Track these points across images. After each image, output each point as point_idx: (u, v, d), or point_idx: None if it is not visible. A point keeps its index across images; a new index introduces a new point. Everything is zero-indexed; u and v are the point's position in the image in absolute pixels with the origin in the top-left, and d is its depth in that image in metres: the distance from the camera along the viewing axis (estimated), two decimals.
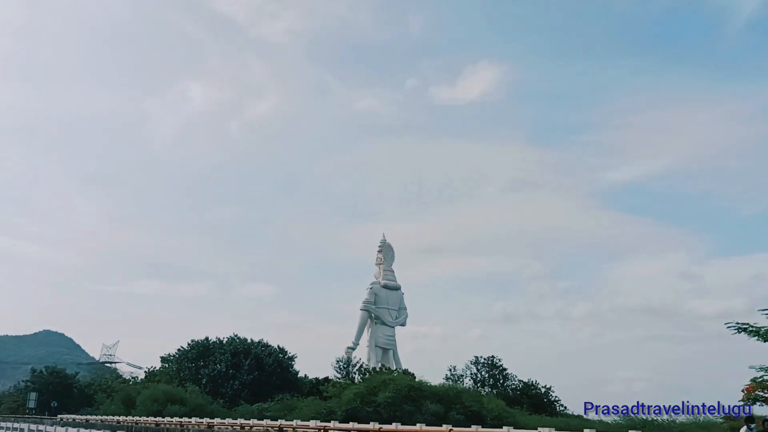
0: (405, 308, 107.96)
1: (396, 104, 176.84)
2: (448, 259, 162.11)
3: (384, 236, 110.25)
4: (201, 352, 73.88)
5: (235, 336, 75.78)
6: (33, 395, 74.96)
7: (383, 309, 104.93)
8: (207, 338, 75.57)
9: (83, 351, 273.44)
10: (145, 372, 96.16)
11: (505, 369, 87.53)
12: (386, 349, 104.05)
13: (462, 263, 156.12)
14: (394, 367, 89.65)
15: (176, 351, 78.84)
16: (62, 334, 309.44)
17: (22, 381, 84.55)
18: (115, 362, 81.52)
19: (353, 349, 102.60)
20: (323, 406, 53.31)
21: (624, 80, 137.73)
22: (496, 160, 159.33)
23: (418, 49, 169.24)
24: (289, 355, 73.79)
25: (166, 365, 79.04)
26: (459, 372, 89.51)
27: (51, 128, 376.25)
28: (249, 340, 73.61)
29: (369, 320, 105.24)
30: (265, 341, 73.98)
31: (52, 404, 74.20)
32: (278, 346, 74.14)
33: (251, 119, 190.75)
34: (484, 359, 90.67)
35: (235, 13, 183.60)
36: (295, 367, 75.26)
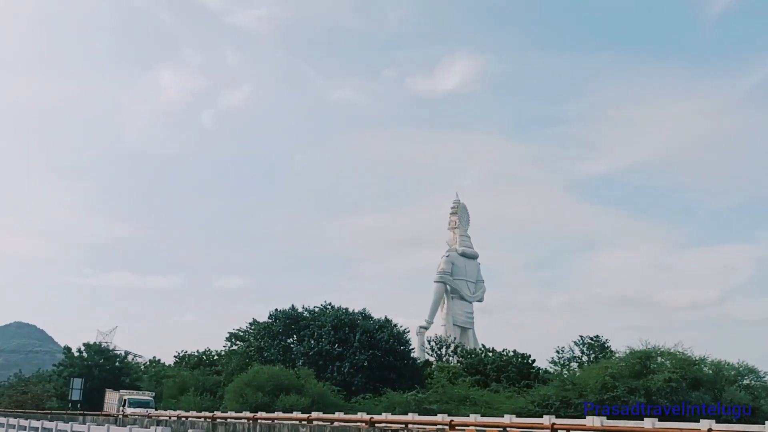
0: (483, 281, 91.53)
1: (373, 95, 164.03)
2: (426, 250, 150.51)
3: (458, 196, 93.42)
4: (288, 325, 56.28)
5: (328, 305, 58.36)
6: (77, 382, 54.85)
7: (461, 281, 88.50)
8: (293, 307, 57.90)
9: (55, 343, 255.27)
10: (152, 360, 77.80)
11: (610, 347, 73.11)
12: (465, 328, 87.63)
13: (440, 255, 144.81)
14: None
15: (248, 325, 61.12)
16: (34, 326, 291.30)
17: (54, 365, 64.89)
18: (113, 350, 64.47)
19: (426, 328, 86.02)
20: (538, 395, 36.61)
21: (601, 73, 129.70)
22: (474, 152, 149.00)
23: (396, 39, 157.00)
24: (402, 328, 56.77)
25: (238, 343, 61.23)
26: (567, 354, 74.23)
27: (19, 118, 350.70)
28: (350, 310, 56.32)
29: (444, 294, 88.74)
30: (368, 311, 56.80)
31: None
32: (385, 317, 57.04)
33: (225, 109, 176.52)
34: (590, 339, 76.01)
35: (209, 0, 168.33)
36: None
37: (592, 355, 73.27)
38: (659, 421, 24.30)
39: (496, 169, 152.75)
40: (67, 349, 61.38)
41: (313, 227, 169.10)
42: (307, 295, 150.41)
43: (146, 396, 53.48)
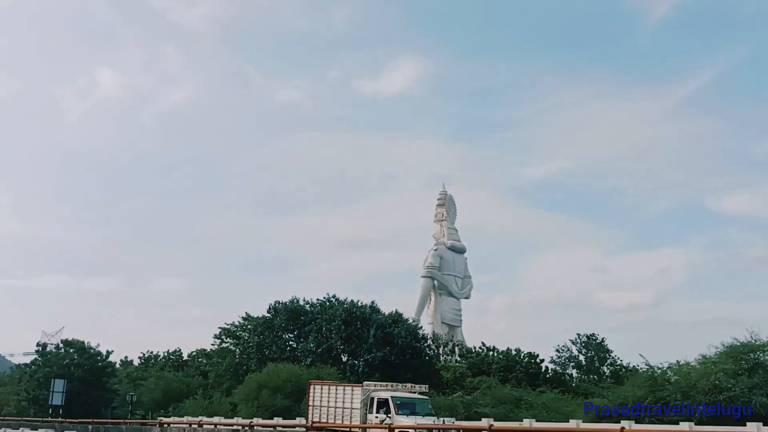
0: (470, 276, 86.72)
1: (318, 96, 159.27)
2: (369, 253, 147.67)
3: (444, 187, 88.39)
4: (289, 319, 49.78)
5: (332, 297, 52.11)
6: (59, 383, 44.76)
7: (449, 276, 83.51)
8: (295, 299, 51.33)
9: None
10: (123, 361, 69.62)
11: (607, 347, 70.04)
12: (453, 326, 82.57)
13: (382, 257, 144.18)
14: None
15: (242, 319, 54.13)
16: None
17: (25, 365, 54.35)
18: (95, 347, 55.99)
19: None
20: (624, 396, 31.61)
21: (543, 79, 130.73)
22: (418, 155, 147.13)
23: (341, 41, 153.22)
24: (415, 322, 51.06)
25: (229, 340, 54.15)
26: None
27: None
28: (359, 303, 50.24)
29: (432, 291, 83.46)
30: (376, 305, 50.85)
31: (129, 397, 45.26)
32: (395, 311, 51.31)
33: (166, 107, 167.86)
34: (587, 337, 72.47)
35: None
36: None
37: (590, 354, 69.67)
38: None
39: (439, 172, 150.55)
40: (42, 346, 52.40)
41: (255, 229, 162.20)
42: (250, 297, 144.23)
43: (417, 395, 29.45)
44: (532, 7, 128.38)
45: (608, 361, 64.51)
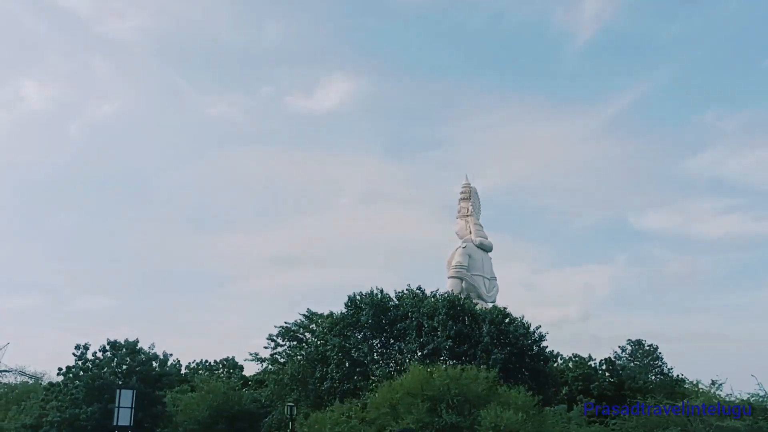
0: (495, 278, 78.37)
1: (250, 112, 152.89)
2: (301, 270, 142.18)
3: (467, 179, 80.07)
4: (374, 315, 39.74)
5: (417, 289, 42.40)
6: (127, 395, 30.37)
7: (478, 277, 74.57)
8: (381, 291, 41.15)
9: None
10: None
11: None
12: None
13: (315, 274, 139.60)
14: None
15: (304, 317, 43.63)
16: None
17: (62, 374, 38.65)
18: (150, 350, 42.26)
19: None
20: None
21: (474, 99, 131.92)
22: (351, 172, 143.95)
23: (275, 57, 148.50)
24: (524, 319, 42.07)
25: (285, 344, 43.45)
26: None
27: None
28: (446, 294, 40.78)
29: (460, 293, 74.35)
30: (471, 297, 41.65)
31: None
32: (493, 305, 42.36)
33: (93, 121, 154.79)
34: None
35: (79, 7, 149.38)
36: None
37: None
38: None
39: (372, 190, 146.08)
40: (84, 349, 38.70)
41: (184, 246, 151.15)
42: (178, 314, 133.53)
43: None
44: (463, 28, 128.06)
45: None
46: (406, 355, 37.63)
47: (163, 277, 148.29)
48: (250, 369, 49.70)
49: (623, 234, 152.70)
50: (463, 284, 74.71)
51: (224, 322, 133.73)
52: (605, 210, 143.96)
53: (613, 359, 56.75)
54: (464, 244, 75.40)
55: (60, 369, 38.80)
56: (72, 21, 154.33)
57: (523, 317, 40.96)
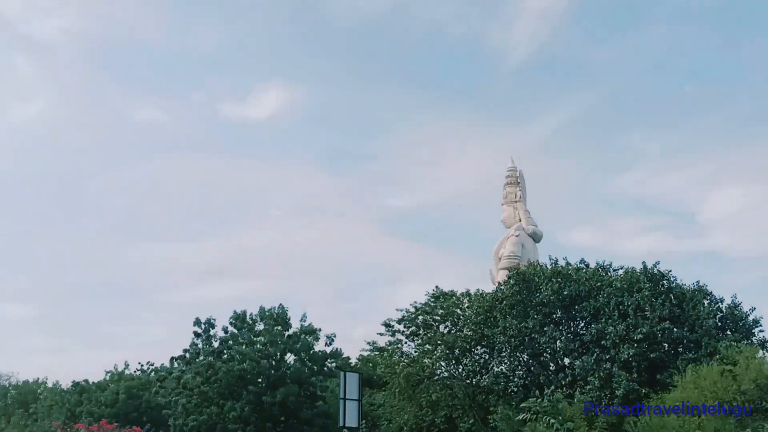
0: None
1: (181, 117, 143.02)
2: (229, 281, 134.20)
3: (513, 162, 71.64)
4: (519, 293, 30.46)
5: (602, 263, 33.20)
6: (353, 380, 19.24)
7: None
8: (554, 258, 31.75)
9: None
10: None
11: None
12: None
13: (243, 286, 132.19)
14: None
15: (431, 297, 33.83)
16: None
17: (178, 358, 26.67)
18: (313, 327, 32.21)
19: None
20: None
21: (411, 113, 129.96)
22: (284, 183, 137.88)
23: (208, 62, 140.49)
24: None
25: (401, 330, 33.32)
26: None
27: None
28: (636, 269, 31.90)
29: None
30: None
31: None
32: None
33: (15, 124, 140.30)
34: None
35: (4, 7, 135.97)
36: None
37: None
38: None
39: (306, 201, 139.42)
40: (207, 325, 26.73)
41: (107, 254, 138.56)
42: (100, 324, 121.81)
43: None
44: (401, 42, 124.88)
45: None
46: (609, 340, 28.57)
47: (84, 285, 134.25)
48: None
49: (551, 250, 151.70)
50: None
51: (147, 333, 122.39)
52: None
53: None
54: (517, 232, 66.56)
55: (174, 357, 27.56)
56: None
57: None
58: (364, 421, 31.85)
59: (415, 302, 34.18)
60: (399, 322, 34.06)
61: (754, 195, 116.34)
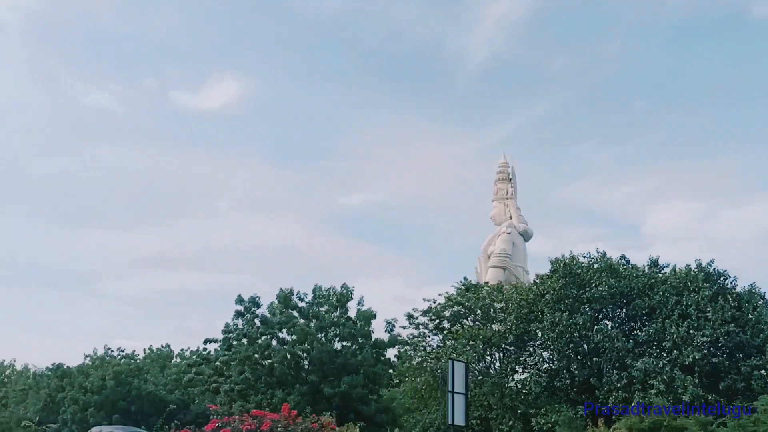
0: (528, 272, 68.32)
1: (131, 104, 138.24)
2: (172, 272, 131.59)
3: (505, 158, 69.38)
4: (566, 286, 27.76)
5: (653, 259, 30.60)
6: (460, 370, 16.19)
7: (520, 269, 64.21)
8: (571, 255, 28.88)
9: None
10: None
11: None
12: None
13: (186, 277, 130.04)
14: None
15: (461, 285, 30.71)
16: None
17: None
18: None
19: None
20: None
21: (368, 112, 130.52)
22: (233, 175, 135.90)
23: (161, 50, 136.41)
24: None
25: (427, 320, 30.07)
26: None
27: None
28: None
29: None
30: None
31: None
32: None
33: None
34: None
35: None
36: None
37: None
38: None
39: (256, 195, 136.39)
40: (250, 303, 22.34)
41: (47, 240, 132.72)
42: (37, 312, 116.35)
43: None
44: (360, 42, 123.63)
45: None
46: (670, 341, 26.09)
47: (21, 271, 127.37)
48: None
49: None
50: (505, 275, 64.11)
51: (86, 322, 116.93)
52: (487, 231, 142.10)
53: None
54: (509, 230, 64.21)
55: (208, 339, 23.46)
56: None
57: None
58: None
59: (446, 292, 31.13)
60: (425, 313, 30.94)
61: (696, 210, 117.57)
